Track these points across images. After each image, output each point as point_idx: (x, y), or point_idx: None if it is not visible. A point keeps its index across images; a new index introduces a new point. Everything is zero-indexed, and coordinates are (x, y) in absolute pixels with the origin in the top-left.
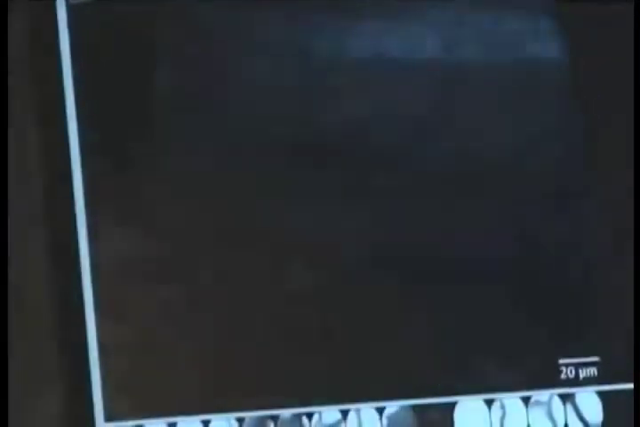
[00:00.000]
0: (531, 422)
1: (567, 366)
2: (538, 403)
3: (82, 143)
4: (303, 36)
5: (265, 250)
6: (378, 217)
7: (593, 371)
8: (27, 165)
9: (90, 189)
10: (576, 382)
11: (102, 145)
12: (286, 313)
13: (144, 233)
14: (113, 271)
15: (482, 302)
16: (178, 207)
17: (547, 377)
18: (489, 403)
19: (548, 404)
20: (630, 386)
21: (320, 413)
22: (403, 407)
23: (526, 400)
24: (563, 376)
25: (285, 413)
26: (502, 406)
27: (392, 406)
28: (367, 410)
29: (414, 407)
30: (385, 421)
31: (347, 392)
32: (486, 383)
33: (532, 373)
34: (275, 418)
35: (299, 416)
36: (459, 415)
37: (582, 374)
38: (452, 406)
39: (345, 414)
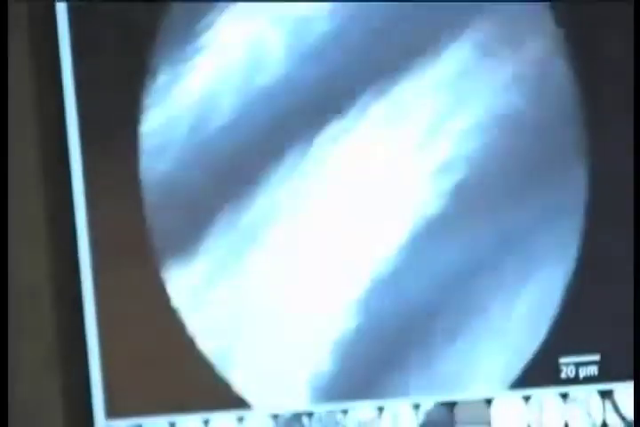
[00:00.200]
0: (568, 420)
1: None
2: (574, 400)
3: (82, 143)
4: None
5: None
6: None
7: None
8: (27, 165)
9: (90, 189)
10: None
11: (102, 145)
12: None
13: (143, 231)
14: (113, 271)
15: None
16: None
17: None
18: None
19: (586, 401)
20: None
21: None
22: (437, 404)
23: (564, 397)
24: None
25: (319, 409)
26: (539, 403)
27: (427, 404)
28: (402, 407)
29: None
30: (421, 417)
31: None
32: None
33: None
34: (309, 415)
35: (333, 413)
36: (494, 412)
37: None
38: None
39: (380, 411)
